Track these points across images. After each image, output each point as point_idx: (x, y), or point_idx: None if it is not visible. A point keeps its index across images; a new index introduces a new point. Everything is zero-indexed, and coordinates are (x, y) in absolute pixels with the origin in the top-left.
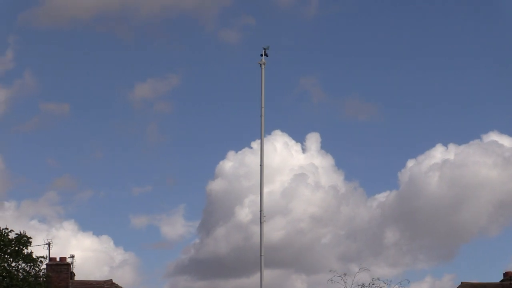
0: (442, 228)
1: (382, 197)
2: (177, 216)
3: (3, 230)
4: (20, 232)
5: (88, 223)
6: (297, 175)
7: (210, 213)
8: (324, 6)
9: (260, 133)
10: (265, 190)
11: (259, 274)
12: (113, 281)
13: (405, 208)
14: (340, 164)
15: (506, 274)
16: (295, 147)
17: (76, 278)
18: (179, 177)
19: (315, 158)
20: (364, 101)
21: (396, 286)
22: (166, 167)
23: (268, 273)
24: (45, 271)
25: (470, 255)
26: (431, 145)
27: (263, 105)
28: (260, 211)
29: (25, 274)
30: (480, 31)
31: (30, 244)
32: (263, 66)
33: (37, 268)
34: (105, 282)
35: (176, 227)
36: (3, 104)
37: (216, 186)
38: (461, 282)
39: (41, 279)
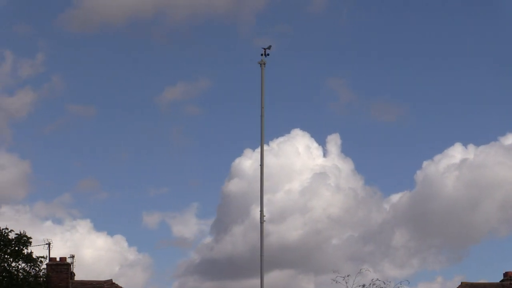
0: (455, 229)
1: (397, 198)
2: (191, 215)
3: (3, 230)
4: (20, 232)
5: (103, 223)
6: (316, 174)
7: (225, 212)
8: (353, 10)
9: (260, 133)
10: (283, 188)
11: (271, 274)
12: (113, 281)
13: (420, 209)
14: (360, 165)
15: (506, 274)
16: (315, 147)
17: (79, 277)
18: (195, 175)
19: (334, 159)
20: (388, 101)
21: (397, 286)
22: (186, 168)
23: (278, 274)
24: (45, 271)
25: (479, 256)
26: (449, 145)
27: (263, 105)
28: (260, 211)
29: (25, 274)
30: (504, 32)
31: (30, 244)
32: (263, 66)
33: (37, 268)
34: (105, 282)
35: (189, 225)
36: (30, 106)
37: (231, 184)
38: (461, 282)
39: (41, 279)
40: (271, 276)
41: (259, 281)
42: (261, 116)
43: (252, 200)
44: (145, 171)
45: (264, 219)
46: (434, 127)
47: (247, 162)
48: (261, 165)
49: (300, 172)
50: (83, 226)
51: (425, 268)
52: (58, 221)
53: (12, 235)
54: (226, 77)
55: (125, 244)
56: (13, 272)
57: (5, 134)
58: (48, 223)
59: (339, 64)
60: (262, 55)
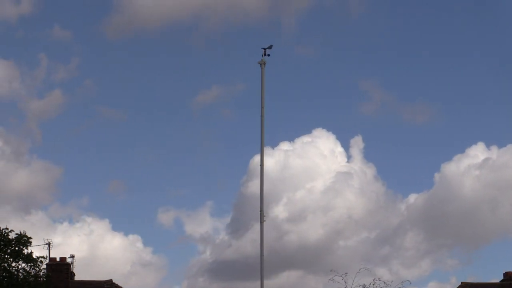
0: (470, 229)
1: (416, 198)
2: (206, 214)
3: (3, 230)
4: (20, 232)
5: (120, 223)
6: (337, 175)
7: (241, 211)
8: (386, 11)
9: (260, 133)
10: (305, 187)
11: (283, 274)
12: (113, 281)
13: (437, 209)
14: (381, 166)
15: (506, 274)
16: (338, 148)
17: (80, 278)
18: (215, 175)
19: (356, 160)
20: (416, 102)
21: (398, 286)
22: (207, 168)
23: (292, 273)
24: (45, 271)
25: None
26: (471, 144)
27: (263, 105)
28: (260, 211)
29: (25, 274)
30: None
31: (30, 244)
32: (263, 66)
33: (37, 268)
34: (105, 282)
35: (204, 224)
36: (59, 108)
37: (248, 183)
38: (461, 282)
39: (41, 279)
40: (284, 276)
41: (271, 281)
42: (261, 116)
43: (270, 198)
44: (169, 173)
45: (264, 219)
46: (458, 127)
47: (266, 160)
48: (261, 165)
49: (321, 172)
50: (101, 226)
51: (440, 269)
52: (76, 221)
53: (12, 235)
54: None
55: (140, 244)
56: (13, 272)
57: (35, 135)
58: (65, 224)
59: (370, 65)
60: (262, 55)
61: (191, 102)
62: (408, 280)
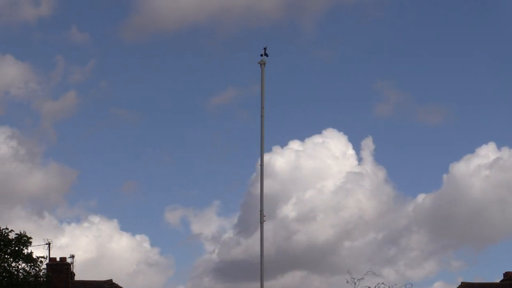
0: (478, 229)
1: (425, 198)
2: (213, 213)
3: (3, 230)
4: (20, 232)
5: (128, 223)
6: (347, 176)
7: (249, 211)
8: (402, 12)
9: (260, 133)
10: (314, 187)
11: (289, 274)
12: (113, 281)
13: (445, 209)
14: (391, 169)
15: (506, 274)
16: (349, 148)
17: (78, 278)
18: (223, 174)
19: (366, 161)
20: (430, 103)
21: None
22: (216, 167)
23: (296, 274)
24: (45, 271)
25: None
26: (481, 145)
27: (263, 105)
28: (260, 211)
29: (25, 274)
30: None
31: (30, 244)
32: (263, 66)
33: (37, 268)
34: (105, 282)
35: (212, 224)
36: (73, 110)
37: (256, 183)
38: (461, 282)
39: (41, 279)
40: (290, 276)
41: (276, 282)
42: (261, 116)
43: (279, 198)
44: (178, 173)
45: (264, 219)
46: (469, 127)
47: (276, 159)
48: (261, 165)
49: (331, 173)
50: (109, 227)
51: (446, 269)
52: (84, 222)
53: (12, 235)
54: (274, 82)
55: (148, 244)
56: (13, 272)
57: (50, 136)
58: (74, 224)
59: (385, 66)
60: (261, 55)
61: (205, 103)
62: (410, 283)
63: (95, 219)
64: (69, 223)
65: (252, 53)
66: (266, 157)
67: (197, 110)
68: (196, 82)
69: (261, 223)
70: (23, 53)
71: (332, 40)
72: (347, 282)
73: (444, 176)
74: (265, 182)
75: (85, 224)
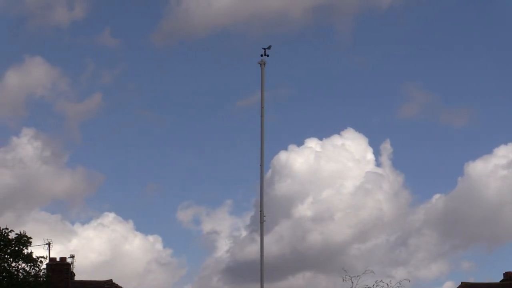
0: (492, 230)
1: (442, 198)
2: (225, 212)
3: (3, 230)
4: (20, 232)
5: (143, 224)
6: (363, 176)
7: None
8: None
9: (260, 133)
10: (332, 187)
11: (300, 275)
12: (113, 281)
13: (461, 210)
14: (408, 170)
15: (506, 274)
16: (367, 149)
17: (80, 278)
18: (235, 172)
19: (384, 163)
20: (449, 105)
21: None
22: (230, 167)
23: (305, 274)
24: (45, 271)
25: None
26: (499, 145)
27: (263, 105)
28: (260, 211)
29: (25, 274)
30: None
31: (30, 244)
32: (263, 66)
33: (37, 268)
34: (105, 282)
35: (225, 223)
36: (99, 111)
37: (271, 181)
38: (461, 282)
39: (41, 279)
40: (301, 276)
41: (287, 282)
42: (261, 116)
43: (294, 197)
44: (195, 172)
45: (264, 219)
46: (488, 128)
47: (291, 158)
48: (261, 165)
49: (348, 173)
50: (124, 227)
51: (458, 269)
52: (99, 222)
53: (12, 235)
54: (303, 85)
55: (160, 244)
56: (13, 272)
57: (75, 138)
58: (89, 225)
59: (413, 67)
60: (261, 55)
61: (231, 106)
62: (407, 279)
63: (111, 219)
64: (84, 223)
65: (280, 57)
66: (281, 155)
67: (222, 113)
68: (224, 86)
69: (261, 223)
70: (52, 55)
71: (361, 43)
72: (343, 280)
73: (460, 176)
74: (281, 181)
75: (101, 225)
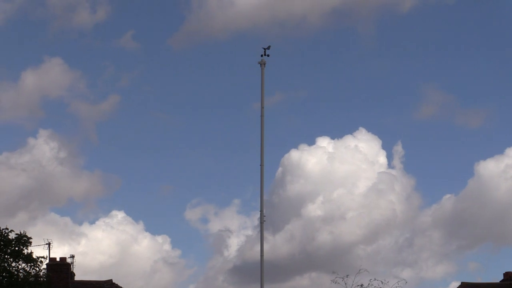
0: (500, 230)
1: (451, 199)
2: (233, 212)
3: (3, 230)
4: (20, 232)
5: (152, 224)
6: (375, 177)
7: (272, 210)
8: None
9: (260, 133)
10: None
11: (306, 275)
12: (113, 281)
13: (470, 210)
14: (420, 171)
15: (506, 275)
16: (379, 150)
17: (77, 278)
18: (245, 171)
19: (396, 164)
20: (465, 106)
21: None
22: (241, 166)
23: (312, 275)
24: (45, 271)
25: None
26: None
27: (263, 105)
28: (260, 211)
29: (25, 274)
30: None
31: (30, 244)
32: (263, 66)
33: (37, 268)
34: (105, 282)
35: (232, 222)
36: (116, 113)
37: (280, 181)
38: (461, 282)
39: (41, 279)
40: (307, 277)
41: (294, 283)
42: (261, 116)
43: (305, 196)
44: (212, 174)
45: (264, 219)
46: (502, 128)
47: (302, 157)
48: (261, 165)
49: (360, 174)
50: (133, 228)
51: (465, 269)
52: (109, 223)
53: (12, 235)
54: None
55: (168, 244)
56: (13, 272)
57: (91, 140)
58: (99, 225)
59: (430, 68)
60: (262, 55)
61: (248, 108)
62: (404, 279)
63: (121, 220)
64: (92, 224)
65: (298, 59)
66: (292, 154)
67: (239, 115)
68: (243, 88)
69: (261, 223)
70: (72, 57)
71: (379, 45)
72: (332, 282)
73: (471, 177)
74: (292, 181)
75: (110, 226)
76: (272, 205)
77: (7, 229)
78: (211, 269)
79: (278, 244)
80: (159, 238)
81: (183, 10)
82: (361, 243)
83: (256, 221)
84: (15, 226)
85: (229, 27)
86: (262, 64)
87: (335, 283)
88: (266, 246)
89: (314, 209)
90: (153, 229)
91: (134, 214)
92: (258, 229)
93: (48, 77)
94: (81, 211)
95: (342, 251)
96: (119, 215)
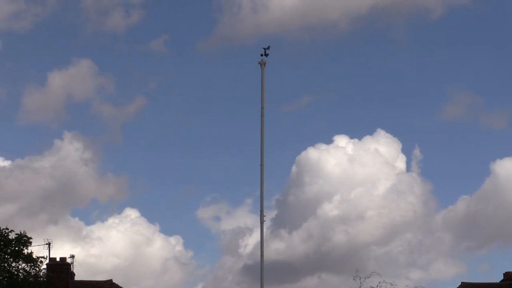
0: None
1: (465, 199)
2: (245, 211)
3: (3, 230)
4: (20, 232)
5: (167, 225)
6: (392, 179)
7: (285, 209)
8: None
9: (260, 133)
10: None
11: (316, 276)
12: (113, 281)
13: (484, 211)
14: (437, 173)
15: (506, 275)
16: (398, 151)
17: (80, 278)
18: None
19: (414, 166)
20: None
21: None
22: (255, 165)
23: (322, 276)
24: (45, 271)
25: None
26: None
27: (263, 105)
28: (261, 211)
29: (25, 274)
30: None
31: (30, 244)
32: (263, 66)
33: (37, 268)
34: (105, 282)
35: (244, 221)
36: (139, 114)
37: (296, 180)
38: (461, 282)
39: (41, 279)
40: (317, 277)
41: (301, 284)
42: (261, 116)
43: (320, 196)
44: (229, 175)
45: (264, 219)
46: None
47: (328, 160)
48: (261, 165)
49: (377, 176)
50: (148, 228)
51: (477, 270)
52: (125, 223)
53: (12, 235)
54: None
55: (181, 244)
56: (13, 272)
57: (116, 141)
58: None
59: (456, 69)
60: (262, 55)
61: (275, 111)
62: (422, 286)
63: (136, 221)
64: (106, 223)
65: (326, 63)
66: (308, 152)
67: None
68: (268, 92)
69: (261, 223)
70: (101, 59)
71: (410, 46)
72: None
73: (487, 177)
74: (309, 181)
75: (124, 227)
76: (287, 204)
77: (7, 229)
78: (220, 269)
79: (294, 244)
80: (172, 239)
81: (215, 14)
82: (374, 244)
83: (269, 221)
84: (37, 227)
85: (260, 32)
86: (262, 64)
87: (355, 281)
88: (281, 246)
89: (330, 209)
90: (167, 230)
91: (149, 215)
92: (271, 229)
93: (75, 79)
94: (102, 212)
95: (355, 252)
96: (132, 214)
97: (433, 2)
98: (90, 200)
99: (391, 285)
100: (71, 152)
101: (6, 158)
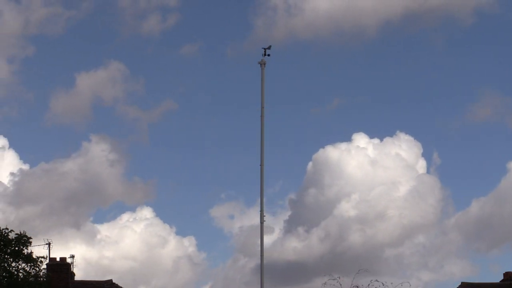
0: None
1: (480, 201)
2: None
3: (3, 230)
4: (20, 232)
5: (183, 227)
6: (412, 181)
7: (299, 210)
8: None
9: (260, 132)
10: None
11: (326, 276)
12: (113, 281)
13: (497, 212)
14: (449, 168)
15: (506, 275)
16: (419, 153)
17: (80, 277)
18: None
19: (433, 166)
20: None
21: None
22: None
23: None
24: (45, 271)
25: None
26: None
27: (263, 105)
28: (261, 211)
29: (25, 274)
30: None
31: (30, 244)
32: (263, 66)
33: (37, 268)
34: (105, 282)
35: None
36: (167, 117)
37: (309, 182)
38: (461, 282)
39: (41, 279)
40: (320, 279)
41: (308, 286)
42: (261, 116)
43: (335, 195)
44: (242, 175)
45: (264, 220)
46: None
47: (349, 160)
48: (261, 165)
49: (396, 178)
50: (163, 229)
51: (489, 271)
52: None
53: (12, 235)
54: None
55: (194, 245)
56: (13, 272)
57: (142, 142)
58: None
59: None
60: (262, 55)
61: (305, 114)
62: (408, 282)
63: (152, 221)
64: (115, 219)
65: (356, 66)
66: (322, 153)
67: (295, 120)
68: (299, 96)
69: (261, 223)
70: (132, 62)
71: (434, 42)
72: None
73: (503, 177)
74: (322, 180)
75: (139, 226)
76: (303, 203)
77: (7, 229)
78: (231, 269)
79: (310, 244)
80: (185, 240)
81: (249, 18)
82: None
83: (282, 222)
84: (61, 228)
85: (293, 35)
86: (262, 64)
87: (326, 285)
88: (299, 246)
89: (346, 209)
90: (181, 231)
91: (165, 217)
92: (283, 231)
93: (104, 80)
94: (121, 213)
95: (369, 253)
96: (148, 214)
97: (463, 6)
98: (115, 202)
99: (383, 284)
100: (97, 153)
101: (33, 160)
